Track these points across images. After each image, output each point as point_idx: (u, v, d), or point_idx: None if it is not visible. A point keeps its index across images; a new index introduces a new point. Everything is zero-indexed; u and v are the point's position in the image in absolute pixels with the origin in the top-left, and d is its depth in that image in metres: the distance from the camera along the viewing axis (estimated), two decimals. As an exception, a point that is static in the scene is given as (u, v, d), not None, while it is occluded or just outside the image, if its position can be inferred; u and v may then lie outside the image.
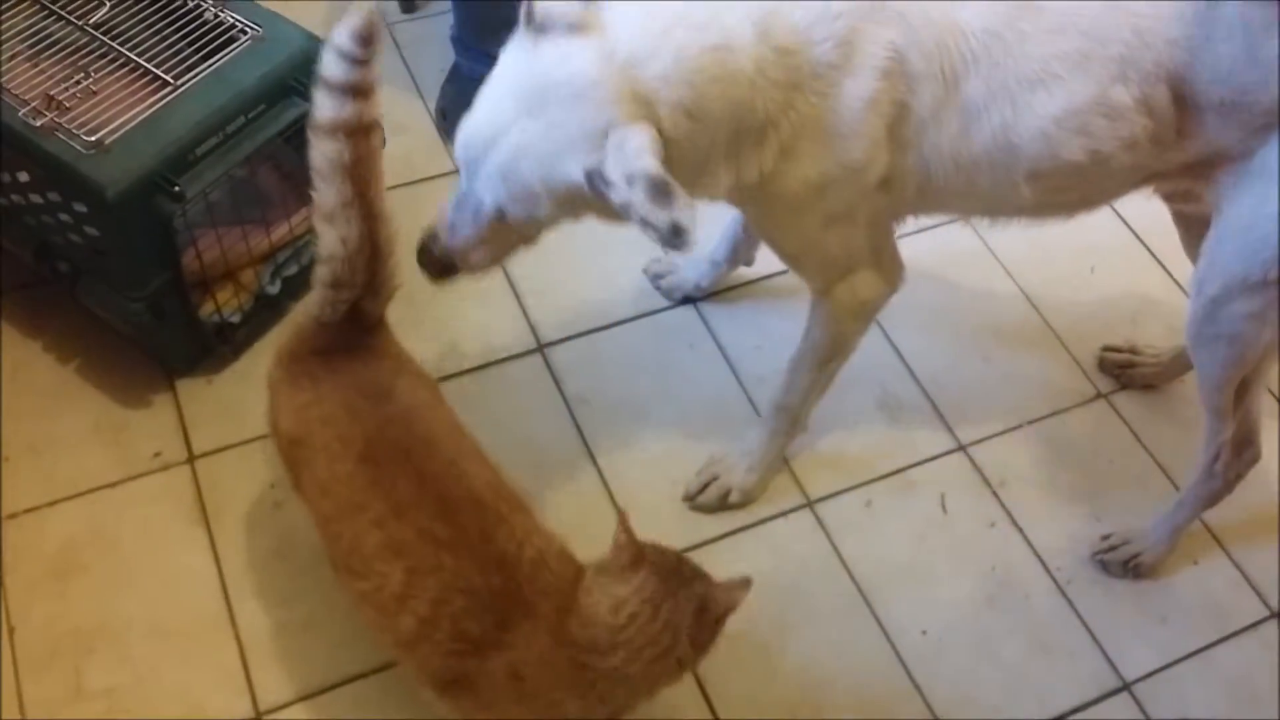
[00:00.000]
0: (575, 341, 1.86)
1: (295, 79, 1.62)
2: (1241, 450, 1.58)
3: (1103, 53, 1.32)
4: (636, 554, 1.25)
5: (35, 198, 1.60)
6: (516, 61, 1.25)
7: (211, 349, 1.74)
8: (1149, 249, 2.04)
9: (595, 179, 1.19)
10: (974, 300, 1.97)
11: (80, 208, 1.54)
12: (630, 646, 1.22)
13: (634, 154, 1.17)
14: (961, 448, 1.80)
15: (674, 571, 1.27)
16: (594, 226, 1.98)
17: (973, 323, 1.94)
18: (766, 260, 1.97)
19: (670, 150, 1.20)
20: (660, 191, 1.16)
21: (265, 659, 1.51)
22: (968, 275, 2.01)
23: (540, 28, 1.23)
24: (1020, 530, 1.72)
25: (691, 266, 1.93)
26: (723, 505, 1.71)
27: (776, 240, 1.51)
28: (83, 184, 1.50)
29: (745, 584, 1.31)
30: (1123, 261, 2.03)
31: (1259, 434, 1.58)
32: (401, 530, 1.25)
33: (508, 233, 1.33)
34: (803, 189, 1.34)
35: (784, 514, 1.70)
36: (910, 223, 2.01)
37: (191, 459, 1.67)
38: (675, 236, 1.16)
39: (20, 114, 1.53)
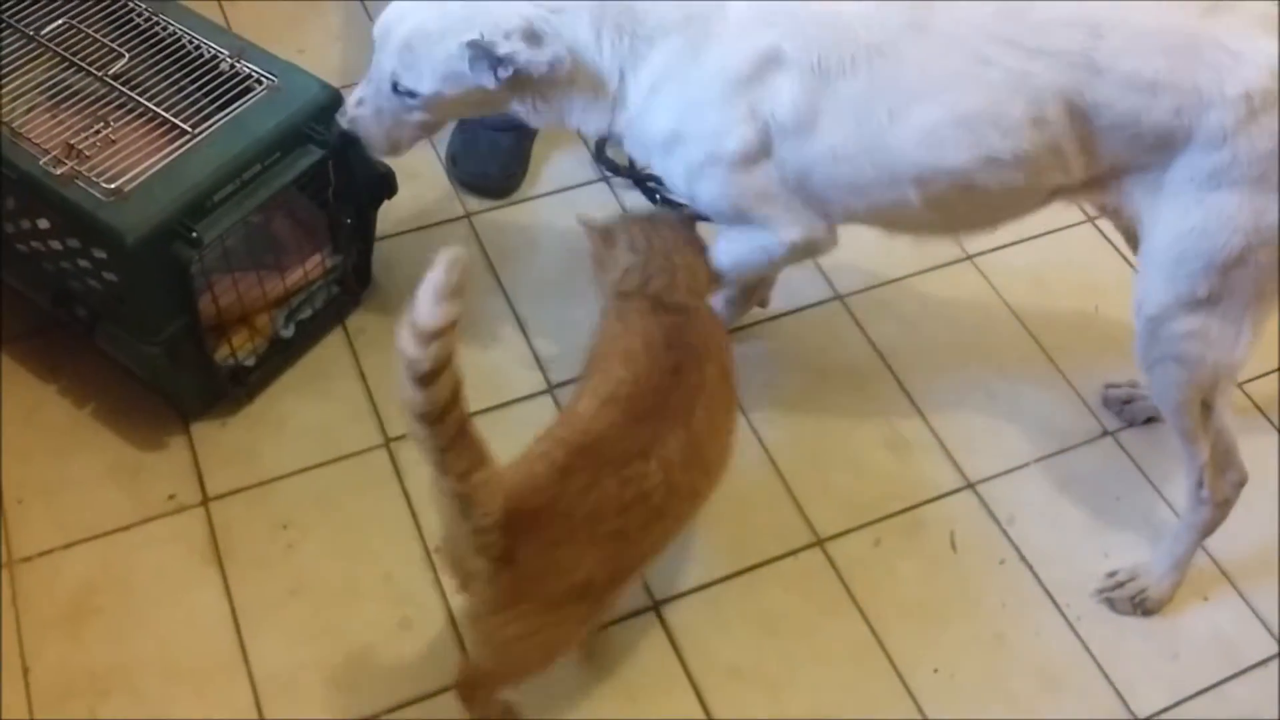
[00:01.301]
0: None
1: (311, 127, 1.65)
2: (1224, 472, 1.59)
3: (988, 74, 1.39)
4: (605, 229, 1.51)
5: (55, 244, 1.63)
6: None
7: (226, 392, 1.76)
8: (1152, 287, 2.06)
9: (474, 48, 1.43)
10: (980, 339, 1.99)
11: (99, 254, 1.57)
12: (655, 267, 1.48)
13: (504, 17, 1.43)
14: (970, 485, 1.81)
15: (642, 219, 1.55)
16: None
17: (979, 361, 1.96)
18: (775, 300, 2.00)
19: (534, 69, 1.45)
20: (533, 38, 1.43)
21: (278, 700, 1.52)
22: (973, 314, 2.03)
23: None
24: (1029, 567, 1.72)
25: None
26: None
27: (666, 180, 1.63)
28: (102, 231, 1.53)
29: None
30: (1126, 300, 2.03)
31: (1237, 455, 1.59)
32: None
33: (405, 111, 1.55)
34: (659, 137, 1.52)
35: (794, 553, 1.71)
36: (915, 263, 2.06)
37: (205, 501, 1.69)
38: (552, 70, 1.44)
39: (41, 162, 1.56)
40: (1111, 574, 1.71)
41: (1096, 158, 1.43)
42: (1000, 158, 1.43)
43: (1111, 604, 1.69)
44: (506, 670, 1.42)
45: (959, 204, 1.51)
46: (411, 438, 1.16)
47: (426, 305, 1.05)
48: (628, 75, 1.48)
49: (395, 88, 1.53)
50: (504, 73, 1.45)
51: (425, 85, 1.50)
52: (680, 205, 2.09)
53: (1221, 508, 1.62)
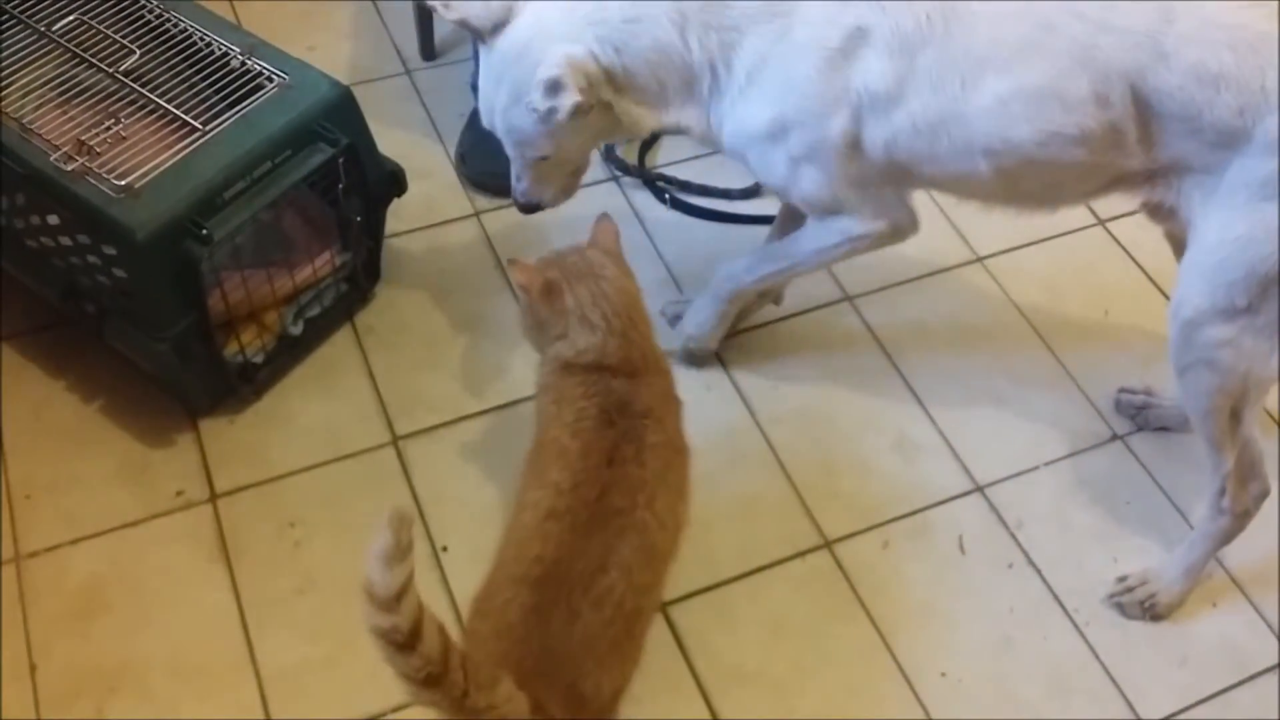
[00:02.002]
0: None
1: (321, 125, 1.66)
2: (1246, 483, 1.58)
3: (1054, 42, 1.39)
4: (546, 284, 1.40)
5: (65, 240, 1.63)
6: (486, 58, 1.56)
7: (234, 389, 1.76)
8: (1162, 292, 2.05)
9: (528, 106, 1.50)
10: (990, 343, 1.98)
11: (109, 250, 1.57)
12: (614, 335, 1.40)
13: (544, 69, 1.46)
14: (979, 489, 1.80)
15: (580, 264, 1.45)
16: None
17: (989, 365, 1.95)
18: (787, 300, 2.00)
19: (621, 78, 1.50)
20: (552, 88, 1.46)
21: (285, 698, 1.52)
22: (983, 317, 2.02)
23: (488, 31, 1.52)
24: (1038, 571, 1.72)
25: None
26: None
27: (761, 177, 1.66)
28: (112, 227, 1.53)
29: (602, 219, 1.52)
30: (1136, 304, 2.04)
31: (1263, 467, 1.58)
32: None
33: (548, 168, 1.65)
34: (763, 130, 1.53)
35: (801, 555, 1.71)
36: (925, 264, 2.06)
37: (214, 498, 1.69)
38: (549, 117, 1.48)
39: (51, 159, 1.56)
40: (1122, 578, 1.70)
41: (1157, 148, 1.43)
42: (1063, 133, 1.43)
43: (1121, 609, 1.68)
44: None
45: (1024, 178, 1.51)
46: (421, 703, 1.13)
47: (379, 574, 1.03)
48: (719, 69, 1.51)
49: (540, 159, 1.62)
50: (559, 114, 1.48)
51: (545, 149, 1.59)
52: (692, 208, 2.09)
53: (1240, 519, 1.61)
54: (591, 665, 1.27)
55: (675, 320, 1.96)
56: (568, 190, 1.72)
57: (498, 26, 1.52)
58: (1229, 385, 1.49)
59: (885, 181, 1.58)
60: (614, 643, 1.29)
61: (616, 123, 1.56)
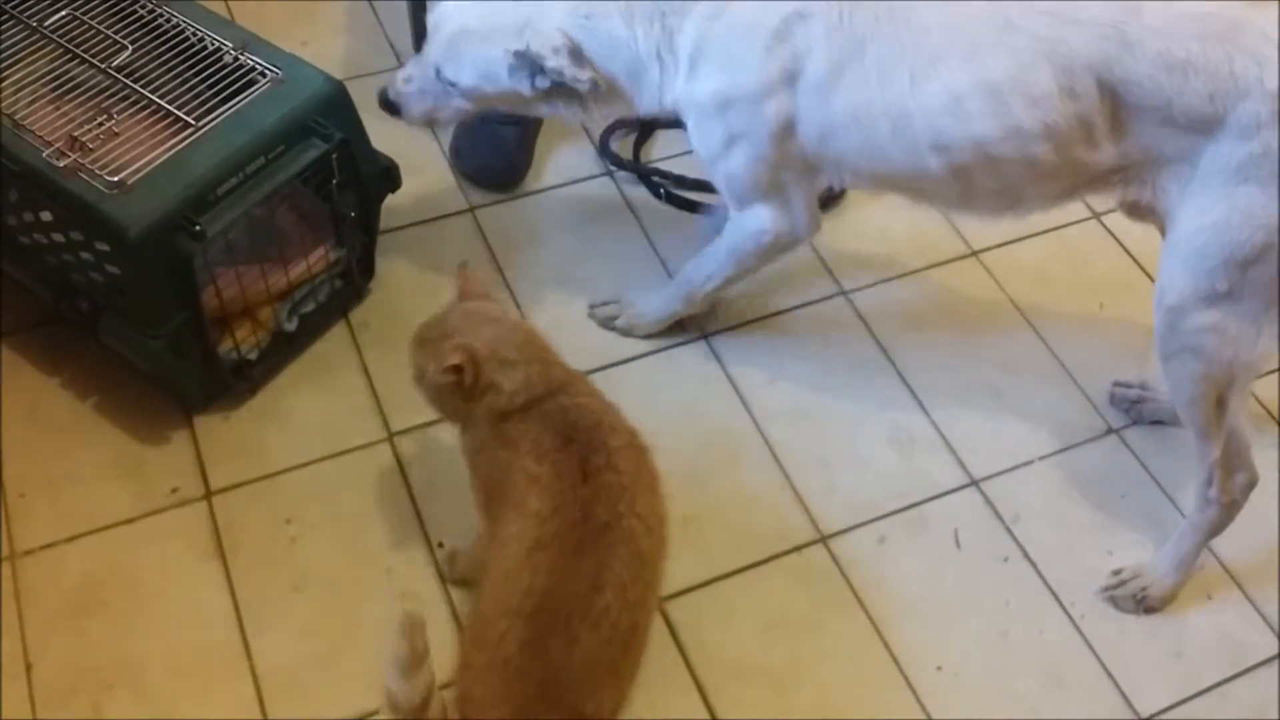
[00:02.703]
0: (589, 377, 1.86)
1: (314, 120, 1.65)
2: (1233, 473, 1.58)
3: (1014, 39, 1.40)
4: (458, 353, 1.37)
5: (57, 237, 1.62)
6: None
7: (229, 386, 1.75)
8: (1157, 284, 2.05)
9: (519, 58, 1.55)
10: (985, 336, 1.98)
11: (102, 247, 1.56)
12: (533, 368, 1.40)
13: (550, 34, 1.54)
14: (974, 483, 1.80)
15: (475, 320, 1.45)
16: (608, 264, 2.01)
17: (984, 358, 1.95)
18: (779, 296, 2.00)
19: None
20: (578, 57, 1.53)
21: (281, 695, 1.52)
22: (978, 311, 2.02)
23: None
24: (1033, 565, 1.72)
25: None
26: (609, 326, 1.92)
27: (696, 145, 1.67)
28: (105, 223, 1.52)
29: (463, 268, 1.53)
30: (1131, 297, 2.04)
31: (1250, 457, 1.58)
32: None
33: (444, 94, 1.67)
34: (707, 100, 1.57)
35: (797, 549, 1.71)
36: (920, 258, 2.06)
37: (209, 495, 1.69)
38: (595, 89, 1.55)
39: (44, 155, 1.56)
40: (1116, 572, 1.70)
41: (1128, 140, 1.43)
42: (1026, 128, 1.43)
43: (1114, 602, 1.68)
44: None
45: (982, 177, 1.51)
46: None
47: (400, 686, 1.06)
48: (665, 56, 1.55)
49: (438, 74, 1.64)
50: (541, 84, 1.57)
51: (465, 79, 1.63)
52: (687, 202, 2.09)
53: (1228, 509, 1.62)
54: (593, 687, 1.28)
55: (608, 321, 1.95)
56: (433, 123, 1.77)
57: None
58: (1214, 372, 1.49)
59: (809, 177, 1.61)
60: (613, 661, 1.30)
61: (562, 109, 1.63)
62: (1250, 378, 1.52)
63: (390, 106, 1.72)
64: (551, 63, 1.54)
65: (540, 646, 1.26)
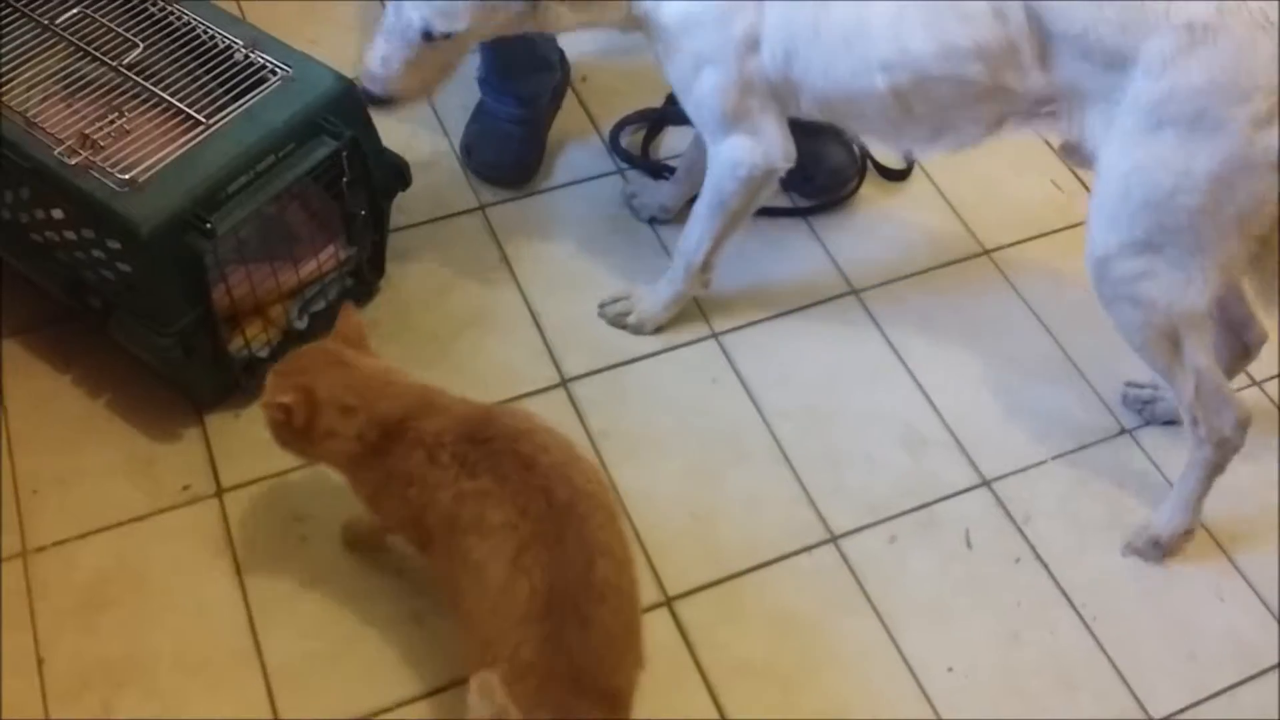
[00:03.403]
0: (598, 376, 1.87)
1: (325, 118, 1.65)
2: (1217, 411, 1.57)
3: None
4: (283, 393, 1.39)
5: (69, 234, 1.63)
6: None
7: (240, 384, 1.75)
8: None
9: None
10: (997, 335, 1.98)
11: (113, 244, 1.57)
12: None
13: None
14: (986, 483, 1.79)
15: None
16: (618, 262, 2.01)
17: (996, 358, 1.94)
18: (789, 295, 1.99)
19: None
20: None
21: (292, 691, 1.52)
22: (989, 310, 2.01)
23: None
24: (1045, 566, 1.71)
25: (658, 188, 2.07)
26: (620, 324, 1.90)
27: (665, 69, 1.66)
28: (116, 221, 1.52)
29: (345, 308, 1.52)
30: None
31: (1232, 394, 1.58)
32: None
33: (433, 55, 1.58)
34: (675, 22, 1.55)
35: (807, 549, 1.70)
36: (931, 257, 2.05)
37: (220, 492, 1.69)
38: None
39: (55, 152, 1.56)
40: (1143, 527, 1.71)
41: (1054, 71, 1.44)
42: (959, 45, 1.45)
43: (1138, 553, 1.70)
44: None
45: (918, 99, 1.52)
46: None
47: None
48: None
49: (428, 36, 1.56)
50: None
51: (461, 23, 1.54)
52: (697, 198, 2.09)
53: (1221, 447, 1.60)
54: (617, 659, 1.29)
55: (630, 199, 2.05)
56: (428, 87, 1.67)
57: None
58: (1154, 318, 1.50)
59: (775, 103, 1.61)
60: (627, 626, 1.31)
61: (535, 15, 1.57)
62: (1197, 320, 1.50)
63: (378, 99, 1.64)
64: None
65: (558, 641, 1.25)
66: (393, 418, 1.40)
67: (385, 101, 1.64)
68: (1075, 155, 1.58)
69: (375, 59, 1.60)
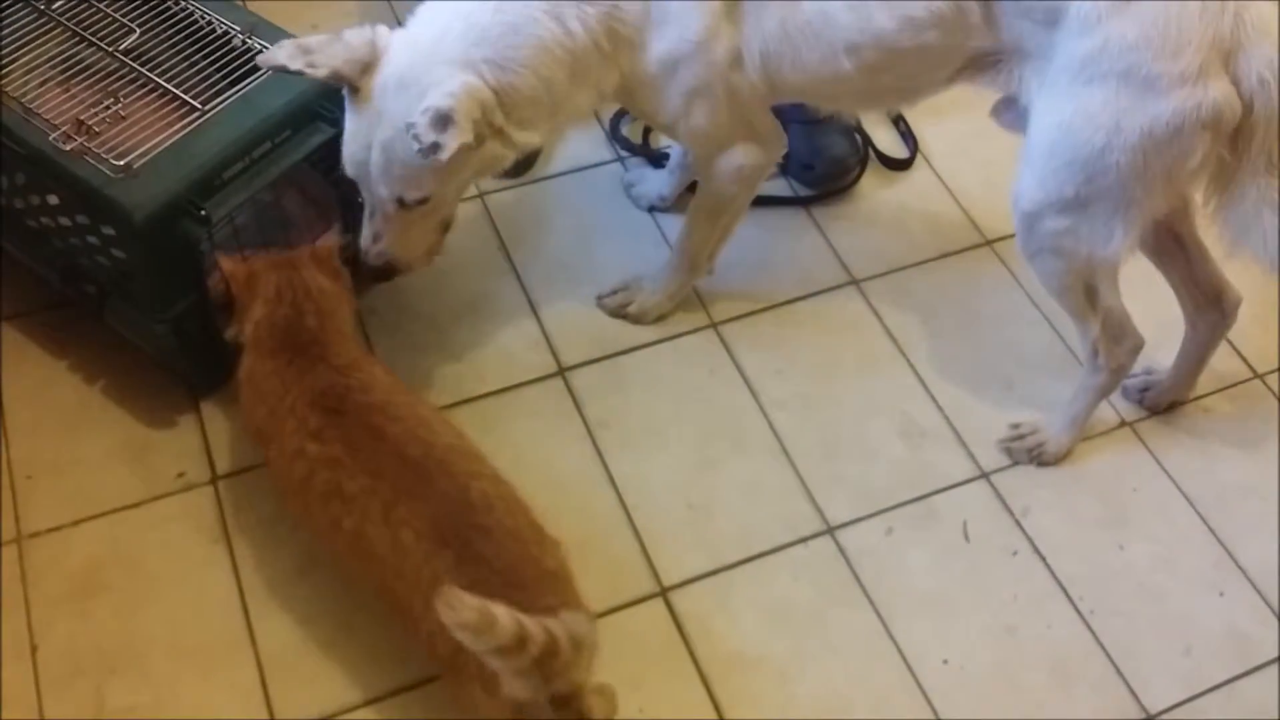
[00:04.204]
0: (596, 365, 1.86)
1: (321, 105, 1.64)
2: (1118, 341, 1.67)
3: None
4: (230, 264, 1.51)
5: (64, 220, 1.62)
6: (355, 110, 1.49)
7: (235, 370, 1.75)
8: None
9: (409, 130, 1.37)
10: (997, 326, 1.96)
11: (108, 230, 1.56)
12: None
13: (434, 95, 1.38)
14: (984, 475, 1.78)
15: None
16: (617, 250, 2.00)
17: (995, 349, 1.93)
18: (789, 284, 1.98)
19: (509, 95, 1.45)
20: (440, 121, 1.36)
21: (285, 679, 1.52)
22: (991, 301, 2.00)
23: (358, 76, 1.46)
24: (1043, 558, 1.70)
25: (656, 178, 2.05)
26: (621, 314, 1.90)
27: (653, 118, 1.68)
28: (111, 207, 1.52)
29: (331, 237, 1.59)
30: (1140, 288, 2.00)
31: (1132, 325, 1.66)
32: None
33: (418, 218, 1.54)
34: (657, 69, 1.53)
35: (804, 540, 1.69)
36: (932, 247, 2.04)
37: (214, 479, 1.69)
38: (431, 151, 1.36)
39: (50, 138, 1.56)
40: (1014, 425, 1.79)
41: (998, 29, 1.47)
42: (917, 16, 1.47)
43: (1010, 453, 1.78)
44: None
45: (884, 71, 1.54)
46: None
47: (489, 640, 1.15)
48: (602, 42, 1.50)
49: (404, 204, 1.52)
50: (443, 153, 1.37)
51: (428, 187, 1.50)
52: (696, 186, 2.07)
53: (1115, 373, 1.71)
54: (535, 549, 1.36)
55: (628, 188, 2.05)
56: (434, 249, 1.62)
57: (367, 68, 1.45)
58: (1075, 267, 1.55)
59: (761, 103, 1.62)
60: (531, 525, 1.38)
61: (505, 150, 1.51)
62: (1114, 268, 1.56)
63: (387, 273, 1.60)
64: (425, 136, 1.36)
65: (470, 556, 1.31)
66: (290, 332, 1.49)
67: (394, 273, 1.61)
68: (1008, 115, 1.60)
69: (367, 239, 1.57)
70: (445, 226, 1.62)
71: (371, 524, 1.36)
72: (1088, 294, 1.60)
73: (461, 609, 1.13)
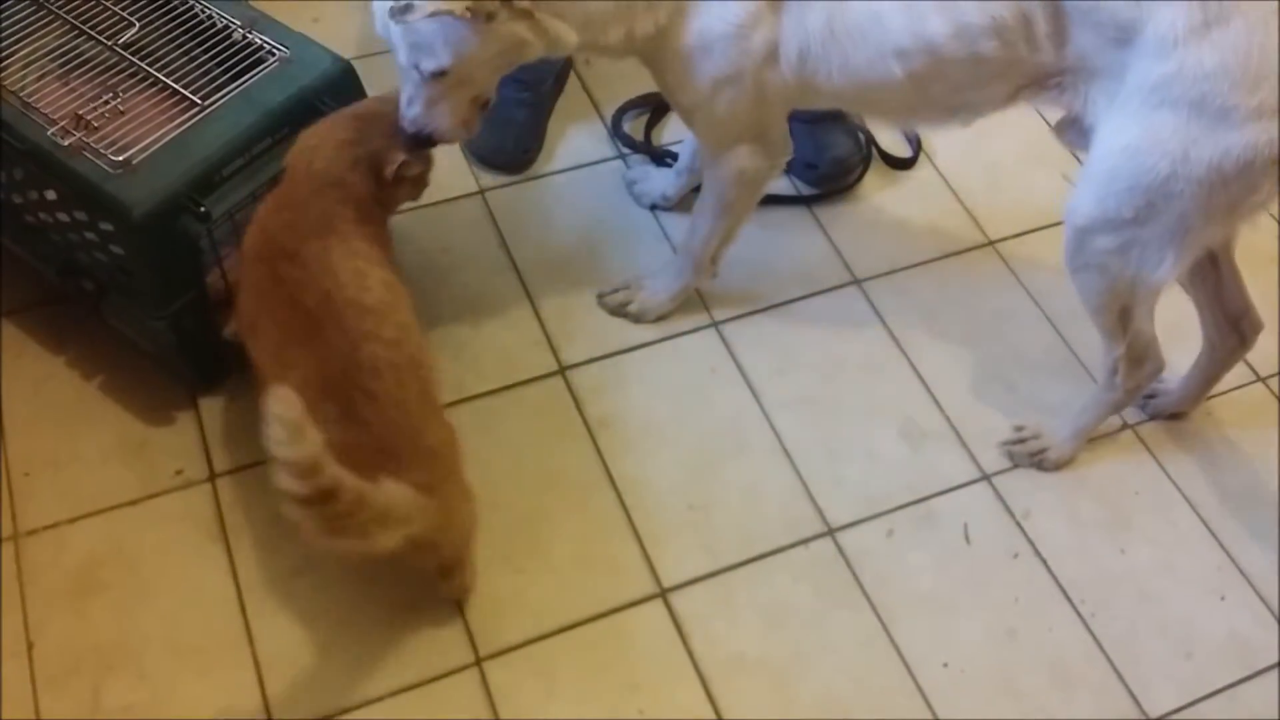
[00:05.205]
0: (597, 364, 1.85)
1: (322, 101, 1.63)
2: (1140, 364, 1.65)
3: None
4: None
5: (62, 216, 1.61)
6: None
7: (233, 368, 1.74)
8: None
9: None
10: (1000, 327, 1.96)
11: (106, 227, 1.55)
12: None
13: None
14: (985, 477, 1.78)
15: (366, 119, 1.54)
16: (618, 248, 1.99)
17: (998, 350, 1.92)
18: (791, 284, 1.97)
19: None
20: None
21: (282, 679, 1.51)
22: (993, 302, 1.99)
23: None
24: (1044, 561, 1.70)
25: (659, 175, 2.04)
26: (620, 313, 1.90)
27: (674, 94, 1.63)
28: (109, 203, 1.51)
29: (424, 160, 1.56)
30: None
31: (1157, 349, 1.64)
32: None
33: (446, 90, 1.50)
34: (693, 43, 1.50)
35: (804, 542, 1.69)
36: (935, 247, 2.03)
37: (213, 477, 1.68)
38: (402, 12, 1.34)
39: (49, 133, 1.54)
40: (1018, 428, 1.79)
41: (1065, 43, 1.42)
42: (975, 23, 1.43)
43: (1011, 456, 1.77)
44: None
45: (934, 80, 1.51)
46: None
47: (293, 453, 1.14)
48: None
49: (426, 75, 1.47)
50: (413, 13, 1.34)
51: (444, 59, 1.45)
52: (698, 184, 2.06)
53: (1132, 393, 1.70)
54: (415, 422, 1.39)
55: (630, 185, 2.04)
56: (468, 123, 1.56)
57: None
58: (1118, 288, 1.53)
59: (784, 105, 1.60)
60: (416, 395, 1.40)
61: (530, 35, 1.45)
62: (1156, 294, 1.55)
63: (421, 140, 1.55)
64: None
65: (351, 416, 1.34)
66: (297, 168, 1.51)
67: (425, 141, 1.55)
68: (1071, 133, 1.57)
69: (404, 101, 1.53)
70: (482, 104, 1.56)
71: (265, 358, 1.43)
72: (1122, 315, 1.57)
73: (286, 407, 1.12)
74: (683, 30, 1.50)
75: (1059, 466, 1.77)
